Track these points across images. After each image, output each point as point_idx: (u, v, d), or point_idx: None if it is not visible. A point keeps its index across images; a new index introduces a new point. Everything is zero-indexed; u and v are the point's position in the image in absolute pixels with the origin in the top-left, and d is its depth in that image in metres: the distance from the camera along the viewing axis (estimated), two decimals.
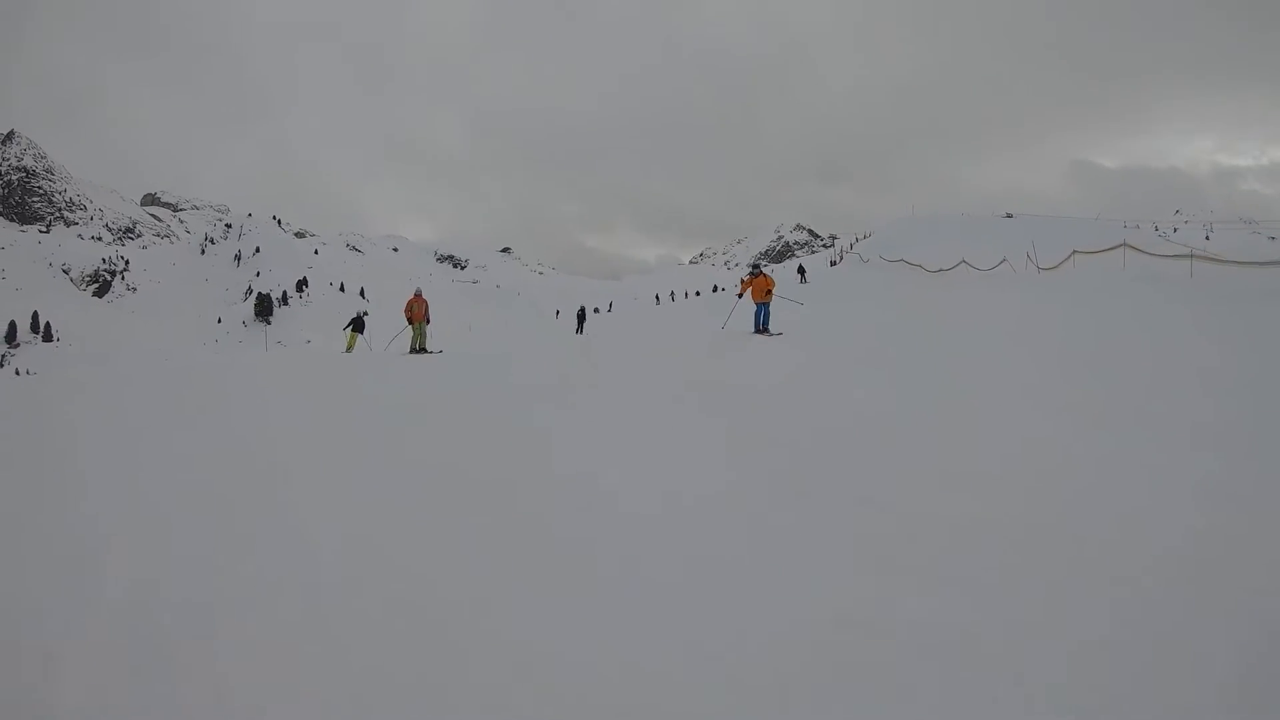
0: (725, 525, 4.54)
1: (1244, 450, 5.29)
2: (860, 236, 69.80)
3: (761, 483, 5.26)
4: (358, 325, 24.54)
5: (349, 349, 23.63)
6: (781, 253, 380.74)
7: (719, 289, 79.12)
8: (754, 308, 15.52)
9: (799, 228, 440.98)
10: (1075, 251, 25.24)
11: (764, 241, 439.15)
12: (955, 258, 32.16)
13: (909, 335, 13.65)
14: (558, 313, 69.22)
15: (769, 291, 15.46)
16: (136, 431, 7.72)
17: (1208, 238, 49.25)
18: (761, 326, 15.22)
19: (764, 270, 16.21)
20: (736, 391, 8.89)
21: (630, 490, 5.22)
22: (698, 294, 75.98)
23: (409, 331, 18.22)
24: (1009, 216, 61.07)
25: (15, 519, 4.98)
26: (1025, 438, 5.96)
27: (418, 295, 18.71)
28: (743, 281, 16.60)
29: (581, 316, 37.03)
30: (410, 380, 11.60)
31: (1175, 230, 58.62)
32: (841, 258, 59.70)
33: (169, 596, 3.77)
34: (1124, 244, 23.05)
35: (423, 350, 17.57)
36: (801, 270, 46.16)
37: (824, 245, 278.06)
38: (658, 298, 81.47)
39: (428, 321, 18.33)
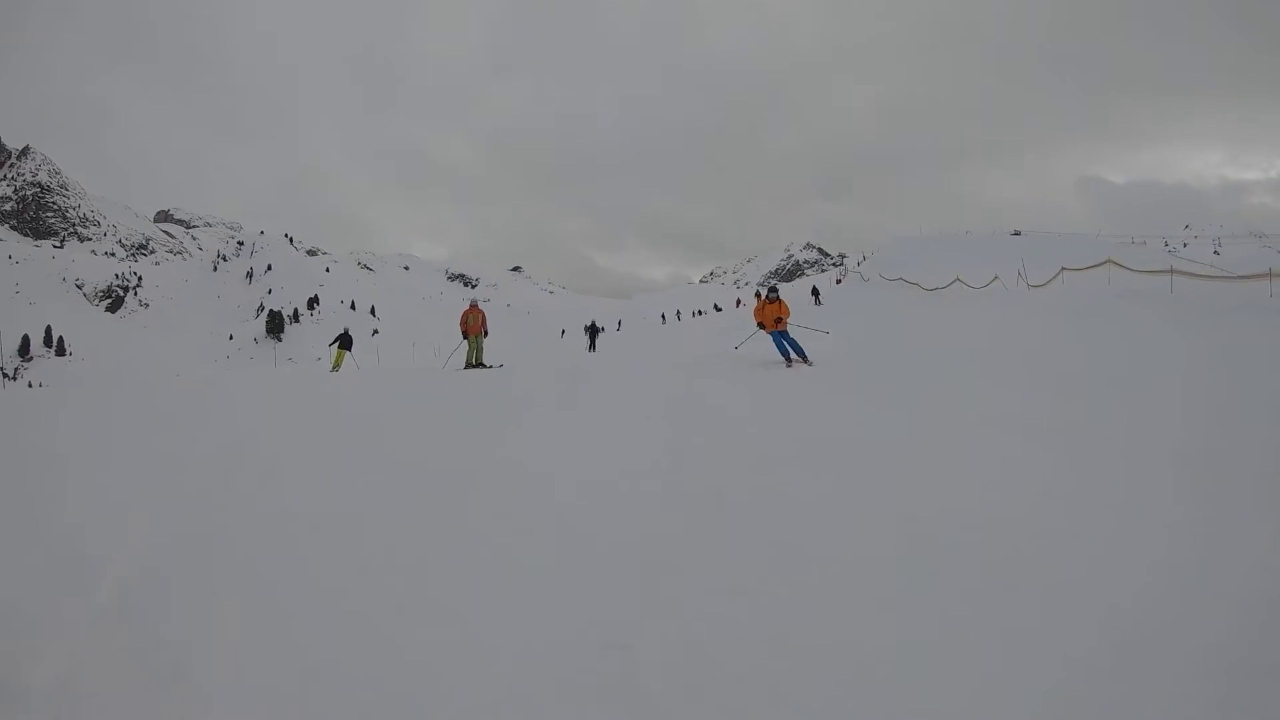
0: (684, 536, 4.46)
1: (1206, 466, 5.25)
2: (867, 255, 69.88)
3: (728, 498, 5.21)
4: (345, 342, 23.00)
5: (335, 367, 22.16)
6: (791, 272, 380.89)
7: (720, 308, 78.80)
8: (770, 336, 13.19)
9: (809, 246, 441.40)
10: (1064, 269, 25.64)
11: (774, 260, 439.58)
12: (952, 275, 32.58)
13: (892, 353, 14.13)
14: (563, 332, 69.13)
15: (779, 320, 13.05)
16: (129, 439, 7.92)
17: (1215, 252, 48.28)
18: (793, 356, 12.75)
19: (778, 295, 13.57)
20: (711, 410, 8.92)
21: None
22: (701, 313, 75.58)
23: (465, 346, 16.57)
24: (1017, 234, 60.61)
25: (13, 519, 5.06)
26: (1004, 459, 5.89)
27: (473, 307, 16.99)
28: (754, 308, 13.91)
29: (593, 333, 36.27)
30: (403, 394, 11.73)
31: (1185, 245, 57.00)
32: (845, 276, 60.29)
33: (157, 597, 3.80)
34: (1108, 260, 23.55)
35: (480, 365, 16.09)
36: (815, 292, 44.79)
37: (833, 264, 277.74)
38: (663, 317, 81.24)
39: (485, 334, 16.78)
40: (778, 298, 13.45)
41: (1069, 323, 15.31)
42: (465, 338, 16.54)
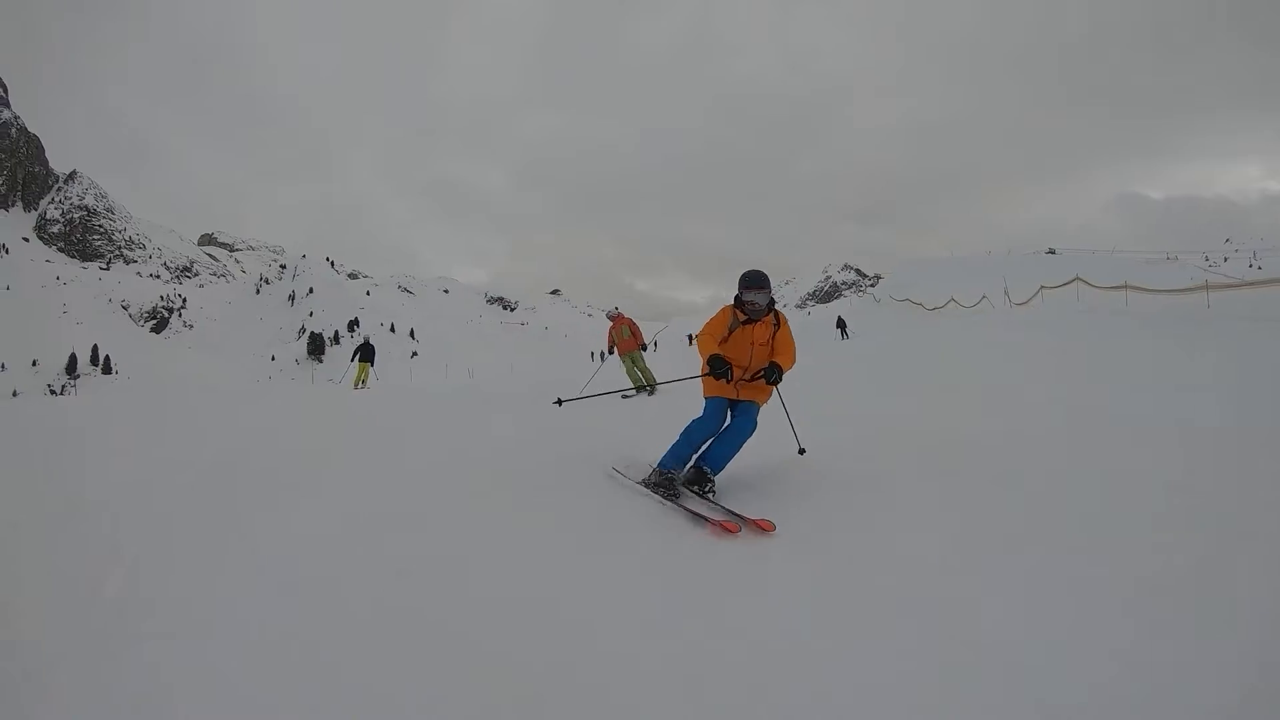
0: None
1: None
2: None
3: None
4: (366, 353, 20.77)
5: (360, 382, 20.19)
6: (829, 293, 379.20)
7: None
8: (710, 408, 4.88)
9: (846, 268, 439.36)
10: (1042, 287, 29.46)
11: (812, 282, 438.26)
12: (949, 296, 37.67)
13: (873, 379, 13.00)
14: (592, 354, 67.56)
15: (762, 377, 4.82)
16: (147, 444, 7.76)
17: (1251, 265, 47.28)
18: (702, 468, 4.76)
19: (770, 304, 4.91)
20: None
21: None
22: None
23: (613, 366, 12.93)
24: (1052, 252, 64.81)
25: (15, 520, 4.79)
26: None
27: (619, 317, 12.60)
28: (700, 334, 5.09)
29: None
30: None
31: (1226, 259, 55.71)
32: (862, 297, 65.94)
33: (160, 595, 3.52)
34: (1076, 279, 27.46)
35: (649, 386, 11.64)
36: (841, 324, 37.57)
37: (870, 285, 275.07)
38: (689, 338, 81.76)
39: (643, 348, 12.38)
40: (770, 307, 4.97)
41: (1042, 336, 15.94)
42: (611, 354, 12.81)
